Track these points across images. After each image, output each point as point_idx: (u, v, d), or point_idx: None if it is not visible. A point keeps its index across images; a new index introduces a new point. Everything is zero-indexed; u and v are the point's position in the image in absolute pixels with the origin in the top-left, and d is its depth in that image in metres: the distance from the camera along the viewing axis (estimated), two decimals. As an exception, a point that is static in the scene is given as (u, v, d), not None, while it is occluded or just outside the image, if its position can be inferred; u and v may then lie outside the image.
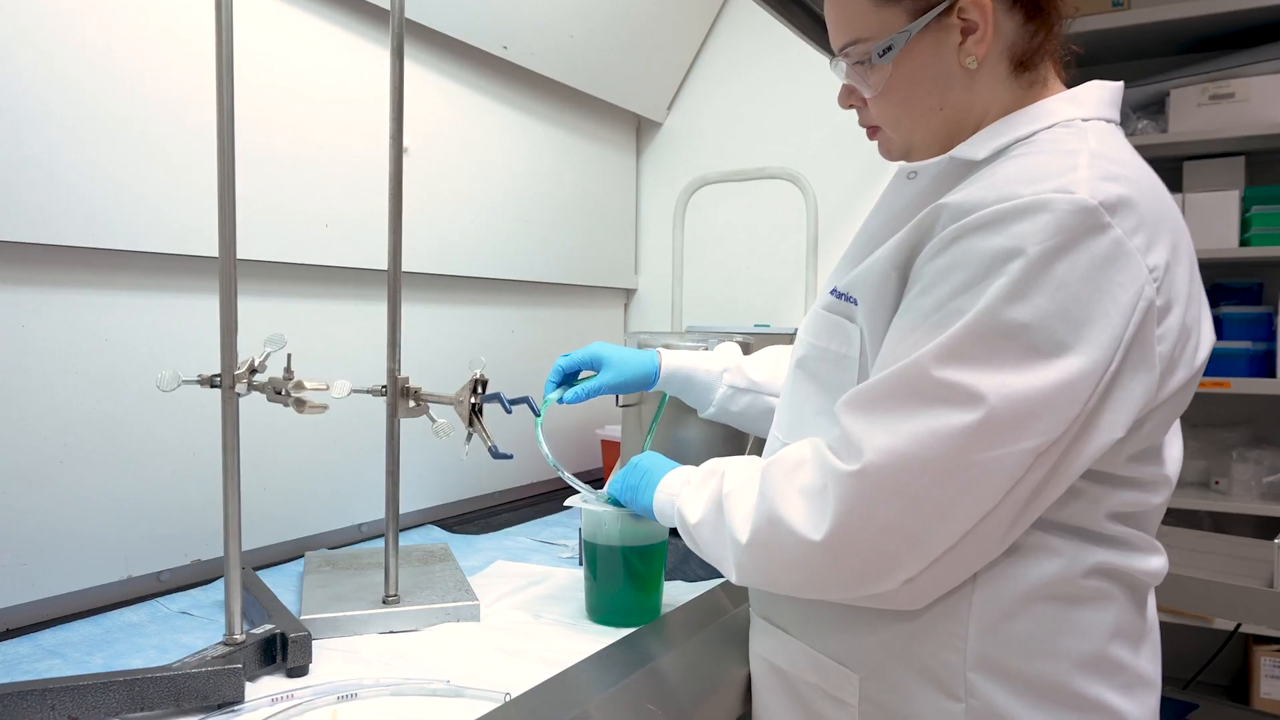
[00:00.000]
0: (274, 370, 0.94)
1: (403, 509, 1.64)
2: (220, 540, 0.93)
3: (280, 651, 0.95)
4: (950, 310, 0.75)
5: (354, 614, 1.07)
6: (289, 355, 0.90)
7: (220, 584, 1.23)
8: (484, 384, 1.03)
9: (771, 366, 1.26)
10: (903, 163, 0.93)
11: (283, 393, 0.89)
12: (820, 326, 0.91)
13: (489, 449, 1.00)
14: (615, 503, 1.12)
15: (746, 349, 1.36)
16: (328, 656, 1.00)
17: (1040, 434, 0.72)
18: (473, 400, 1.03)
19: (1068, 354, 0.72)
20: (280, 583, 1.27)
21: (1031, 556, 0.79)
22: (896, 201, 0.92)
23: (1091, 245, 0.72)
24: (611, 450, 1.96)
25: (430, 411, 1.11)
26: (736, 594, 1.17)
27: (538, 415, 1.09)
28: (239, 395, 0.91)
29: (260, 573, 1.31)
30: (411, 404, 1.10)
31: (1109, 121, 0.85)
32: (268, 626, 0.96)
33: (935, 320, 0.75)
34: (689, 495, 0.95)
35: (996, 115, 0.85)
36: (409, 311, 1.61)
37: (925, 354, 0.74)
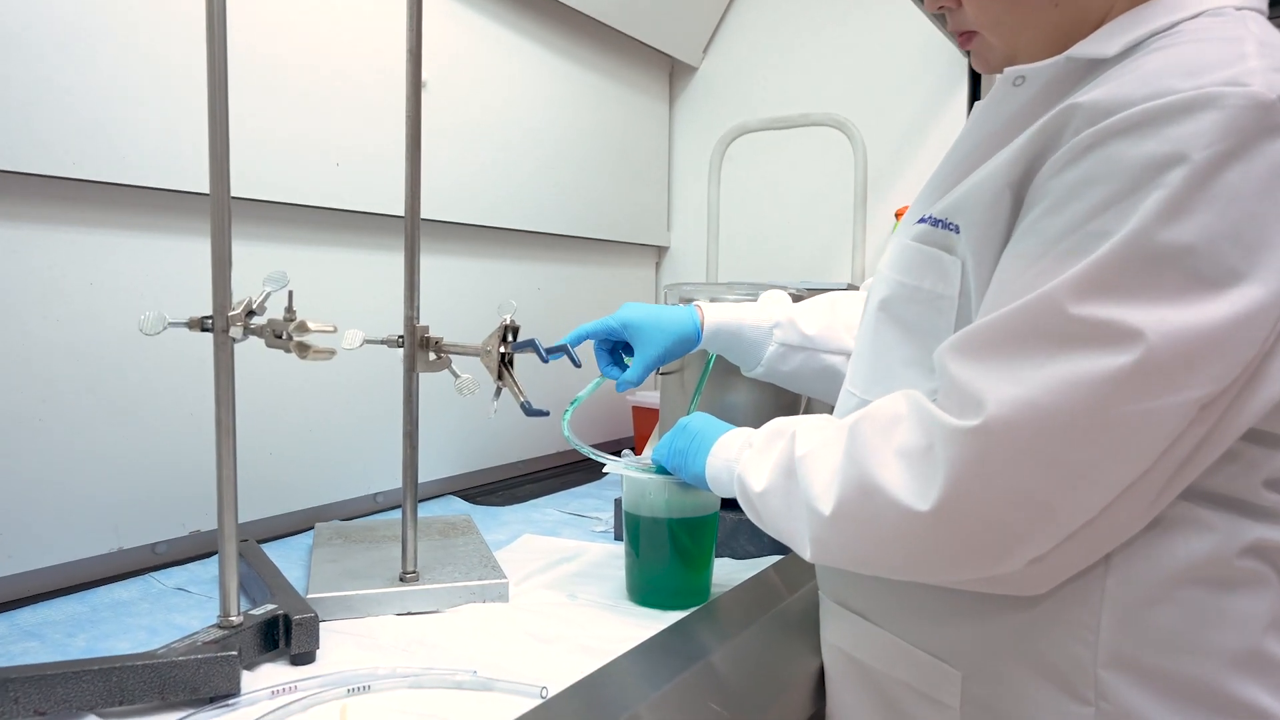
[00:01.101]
0: (275, 313, 0.81)
1: (421, 477, 1.52)
2: (217, 508, 0.82)
3: (283, 635, 0.83)
4: (1089, 233, 0.61)
5: (367, 593, 0.95)
6: (290, 293, 0.78)
7: (221, 558, 1.11)
8: (515, 331, 0.90)
9: (826, 317, 1.13)
10: (1007, 68, 0.79)
11: (283, 336, 0.76)
12: (910, 261, 0.77)
13: (521, 405, 0.87)
14: (661, 470, 0.99)
15: (796, 299, 1.22)
16: (337, 641, 0.88)
17: (1206, 382, 0.58)
18: (502, 350, 0.90)
19: (1241, 283, 0.58)
20: (287, 557, 1.15)
21: (1178, 532, 0.66)
22: (1001, 113, 0.78)
23: (1269, 150, 0.58)
24: (646, 418, 1.83)
25: (452, 366, 0.99)
26: (796, 574, 1.04)
27: (577, 365, 0.96)
28: (234, 340, 0.79)
29: (266, 546, 1.19)
30: (432, 357, 0.98)
31: (1260, 12, 0.70)
32: (269, 607, 0.84)
33: (1069, 245, 0.62)
34: (752, 460, 0.82)
35: (1122, 10, 0.71)
36: (425, 263, 1.48)
37: (1059, 286, 0.61)
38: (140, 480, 1.10)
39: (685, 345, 1.11)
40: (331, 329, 0.75)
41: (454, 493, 1.55)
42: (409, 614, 0.96)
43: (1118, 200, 0.60)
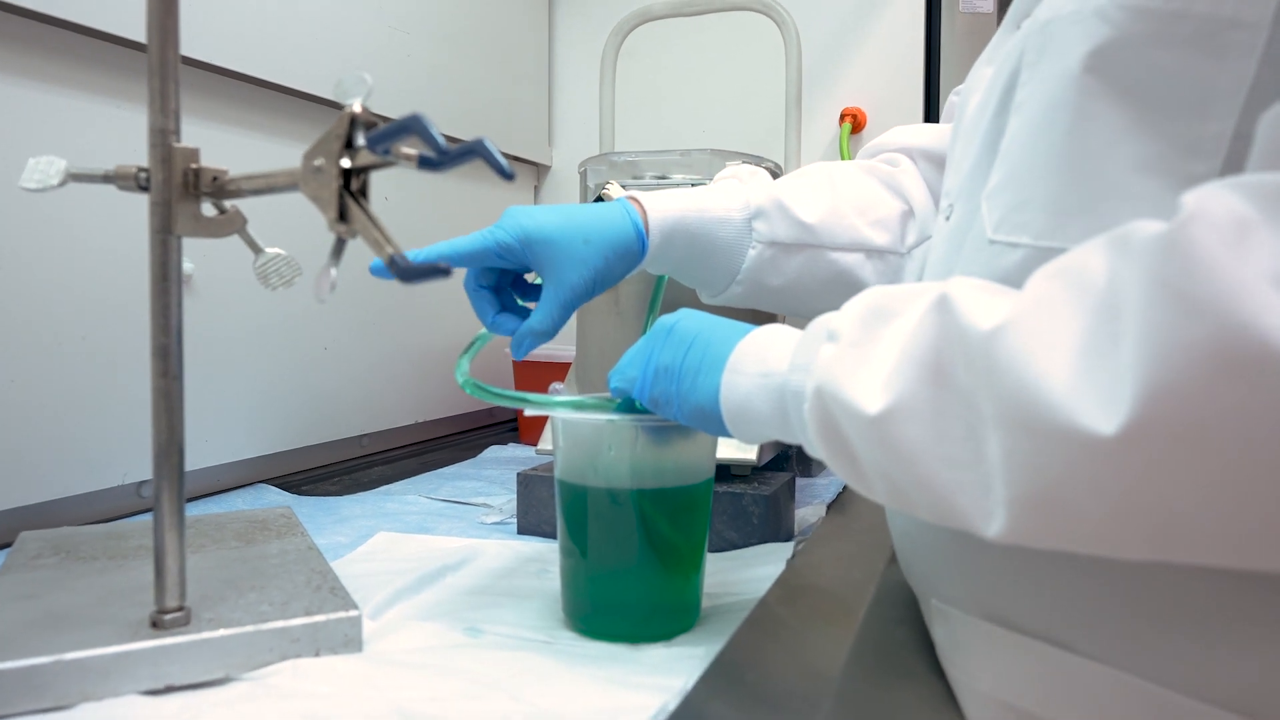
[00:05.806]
0: None
1: (223, 458, 1.03)
2: None
3: None
4: None
5: (82, 655, 0.49)
6: None
7: None
8: (368, 126, 0.47)
9: (827, 198, 0.74)
10: None
11: None
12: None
13: (390, 262, 0.44)
14: (629, 406, 0.59)
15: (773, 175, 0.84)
16: (-4, 769, 0.42)
17: None
18: (347, 164, 0.47)
19: None
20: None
21: None
22: None
23: None
24: (536, 379, 1.40)
25: (248, 230, 0.54)
26: (834, 568, 0.66)
27: (507, 175, 0.52)
28: None
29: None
30: (210, 209, 0.53)
31: None
32: None
33: None
34: (845, 359, 0.43)
35: None
36: (217, 138, 1.00)
37: None
38: None
39: (624, 262, 0.68)
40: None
41: (269, 480, 1.07)
42: (169, 690, 0.50)
43: None
